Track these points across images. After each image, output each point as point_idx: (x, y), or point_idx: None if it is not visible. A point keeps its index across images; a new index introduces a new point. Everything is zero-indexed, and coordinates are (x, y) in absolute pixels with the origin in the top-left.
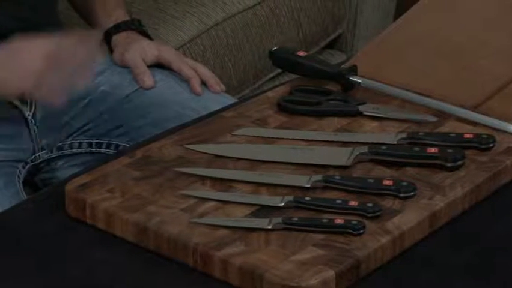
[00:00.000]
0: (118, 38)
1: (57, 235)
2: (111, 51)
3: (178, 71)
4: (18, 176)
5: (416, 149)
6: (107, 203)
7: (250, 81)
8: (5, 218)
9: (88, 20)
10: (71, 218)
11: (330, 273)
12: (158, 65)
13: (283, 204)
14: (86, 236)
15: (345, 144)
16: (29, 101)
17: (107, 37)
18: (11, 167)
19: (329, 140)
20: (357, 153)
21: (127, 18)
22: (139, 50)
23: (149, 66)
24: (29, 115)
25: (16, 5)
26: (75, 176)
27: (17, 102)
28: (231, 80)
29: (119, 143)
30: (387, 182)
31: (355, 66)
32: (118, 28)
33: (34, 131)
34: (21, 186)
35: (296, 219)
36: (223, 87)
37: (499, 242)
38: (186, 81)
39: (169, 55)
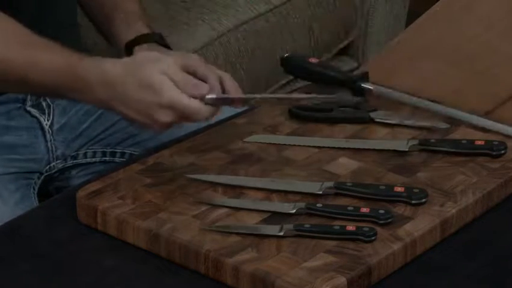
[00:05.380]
0: (139, 50)
1: (69, 242)
2: None
3: (204, 79)
4: (33, 188)
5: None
6: (119, 210)
7: (262, 88)
8: (17, 225)
9: (105, 30)
10: (83, 225)
11: (342, 280)
12: None
13: (294, 211)
14: (97, 242)
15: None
16: (46, 111)
17: (128, 49)
18: (26, 179)
19: (341, 146)
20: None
21: (147, 31)
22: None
23: None
24: (46, 125)
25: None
26: (86, 183)
27: (35, 112)
28: (243, 87)
29: (132, 152)
30: (398, 189)
31: (367, 73)
32: (139, 40)
33: (50, 141)
34: (36, 198)
35: (308, 226)
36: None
37: (511, 250)
38: None
39: (195, 63)
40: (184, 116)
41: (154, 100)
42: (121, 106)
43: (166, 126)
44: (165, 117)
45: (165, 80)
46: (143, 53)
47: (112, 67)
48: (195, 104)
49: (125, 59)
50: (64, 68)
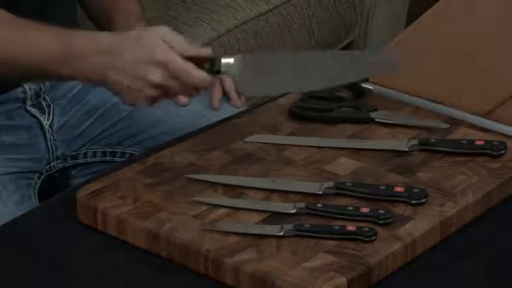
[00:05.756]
0: None
1: (69, 242)
2: None
3: None
4: (34, 187)
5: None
6: (119, 210)
7: None
8: (17, 225)
9: (105, 30)
10: (83, 225)
11: (342, 280)
12: None
13: (294, 211)
14: (97, 242)
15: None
16: (46, 110)
17: None
18: (26, 179)
19: (341, 146)
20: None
21: None
22: None
23: None
24: (46, 124)
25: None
26: (86, 183)
27: (35, 112)
28: None
29: (133, 152)
30: (398, 189)
31: None
32: None
33: (50, 140)
34: (37, 198)
35: (308, 226)
36: (244, 100)
37: (511, 250)
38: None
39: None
40: (176, 75)
41: (147, 57)
42: (115, 73)
43: (157, 88)
44: (157, 75)
45: (160, 39)
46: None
47: (107, 36)
48: (188, 64)
49: (117, 32)
50: (54, 42)
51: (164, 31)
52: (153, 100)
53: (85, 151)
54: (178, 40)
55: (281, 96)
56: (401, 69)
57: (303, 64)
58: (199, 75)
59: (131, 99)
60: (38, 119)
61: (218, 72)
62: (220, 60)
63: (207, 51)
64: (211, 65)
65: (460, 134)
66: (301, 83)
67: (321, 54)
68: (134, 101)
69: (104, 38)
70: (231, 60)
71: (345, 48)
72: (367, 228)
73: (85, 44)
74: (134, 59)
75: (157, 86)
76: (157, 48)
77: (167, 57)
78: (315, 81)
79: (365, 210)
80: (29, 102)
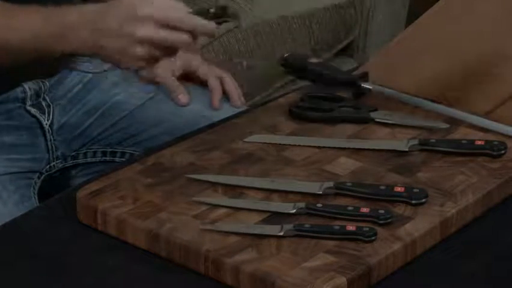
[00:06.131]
0: None
1: (69, 242)
2: None
3: (204, 79)
4: (34, 187)
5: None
6: (119, 210)
7: (262, 88)
8: (17, 225)
9: None
10: (83, 225)
11: (342, 280)
12: None
13: (294, 211)
14: (97, 242)
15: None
16: (46, 110)
17: None
18: (26, 179)
19: (341, 146)
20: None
21: None
22: (167, 63)
23: None
24: (46, 124)
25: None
26: (86, 183)
27: (34, 111)
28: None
29: (133, 152)
30: (398, 189)
31: (366, 73)
32: None
33: (50, 140)
34: (37, 198)
35: (308, 226)
36: (243, 100)
37: (511, 250)
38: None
39: (196, 62)
40: (164, 25)
41: (131, 13)
42: (104, 40)
43: (146, 42)
44: (145, 31)
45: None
46: None
47: (93, 6)
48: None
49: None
50: (44, 22)
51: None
52: (148, 61)
53: (85, 151)
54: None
55: (281, 96)
56: None
57: None
58: (193, 20)
59: (125, 62)
60: (38, 119)
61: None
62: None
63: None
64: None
65: (460, 134)
66: None
67: None
68: (128, 63)
69: (90, 8)
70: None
71: (345, 48)
72: (367, 228)
73: (73, 18)
74: (118, 19)
75: (147, 41)
76: (140, 3)
77: (151, 10)
78: None
79: (365, 210)
80: (28, 102)
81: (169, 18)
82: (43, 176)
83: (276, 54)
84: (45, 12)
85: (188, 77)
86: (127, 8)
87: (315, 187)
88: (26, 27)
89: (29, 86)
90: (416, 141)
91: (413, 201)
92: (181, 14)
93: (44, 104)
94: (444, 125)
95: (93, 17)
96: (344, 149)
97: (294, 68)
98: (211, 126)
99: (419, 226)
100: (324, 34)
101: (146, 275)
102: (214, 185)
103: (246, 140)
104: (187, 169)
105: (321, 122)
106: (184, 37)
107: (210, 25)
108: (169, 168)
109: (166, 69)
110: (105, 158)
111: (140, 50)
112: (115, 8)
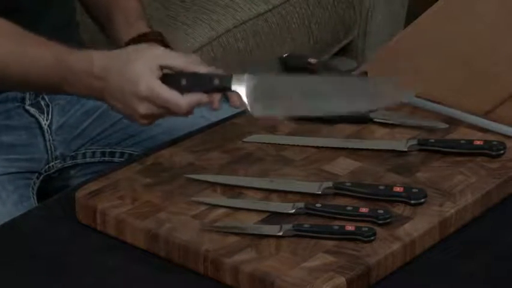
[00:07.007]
0: None
1: (68, 242)
2: None
3: None
4: (32, 188)
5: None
6: (118, 210)
7: None
8: (16, 225)
9: (106, 29)
10: (82, 225)
11: (341, 280)
12: None
13: (294, 211)
14: (96, 242)
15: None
16: (45, 110)
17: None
18: (25, 179)
19: (340, 146)
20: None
21: (148, 30)
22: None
23: None
24: (45, 124)
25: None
26: (86, 183)
27: (33, 111)
28: None
29: (132, 152)
30: (397, 189)
31: (366, 72)
32: (140, 39)
33: (49, 141)
34: (35, 198)
35: (307, 226)
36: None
37: (510, 250)
38: None
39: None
40: (164, 107)
41: (132, 90)
42: (109, 97)
43: (148, 118)
44: (144, 108)
45: (147, 69)
46: (131, 47)
47: (100, 59)
48: (173, 94)
49: (113, 51)
50: (53, 63)
51: (155, 55)
52: (150, 122)
53: (84, 151)
54: (174, 62)
55: None
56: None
57: (313, 89)
58: (188, 100)
59: (129, 119)
60: (36, 118)
61: (228, 89)
62: (231, 78)
63: (206, 69)
64: (221, 81)
65: (459, 134)
66: (311, 107)
67: (333, 79)
68: (132, 121)
69: (96, 61)
70: (242, 78)
71: (344, 48)
72: (366, 228)
73: (80, 67)
74: (121, 88)
75: (147, 116)
76: (141, 83)
77: (151, 93)
78: (325, 107)
79: (364, 210)
80: (27, 102)
81: (167, 104)
82: (42, 176)
83: (275, 55)
84: (56, 52)
85: None
86: (128, 83)
87: (314, 187)
88: (34, 64)
89: None
90: (415, 141)
91: (412, 201)
92: (176, 99)
93: (43, 103)
94: (443, 125)
95: (99, 73)
96: (343, 149)
97: (293, 68)
98: (210, 126)
99: (418, 226)
100: (323, 34)
101: (145, 275)
102: (213, 185)
103: (245, 140)
104: (186, 169)
105: (320, 122)
106: (183, 110)
107: (205, 99)
108: (168, 168)
109: None
110: (104, 158)
111: (140, 120)
112: (118, 74)
